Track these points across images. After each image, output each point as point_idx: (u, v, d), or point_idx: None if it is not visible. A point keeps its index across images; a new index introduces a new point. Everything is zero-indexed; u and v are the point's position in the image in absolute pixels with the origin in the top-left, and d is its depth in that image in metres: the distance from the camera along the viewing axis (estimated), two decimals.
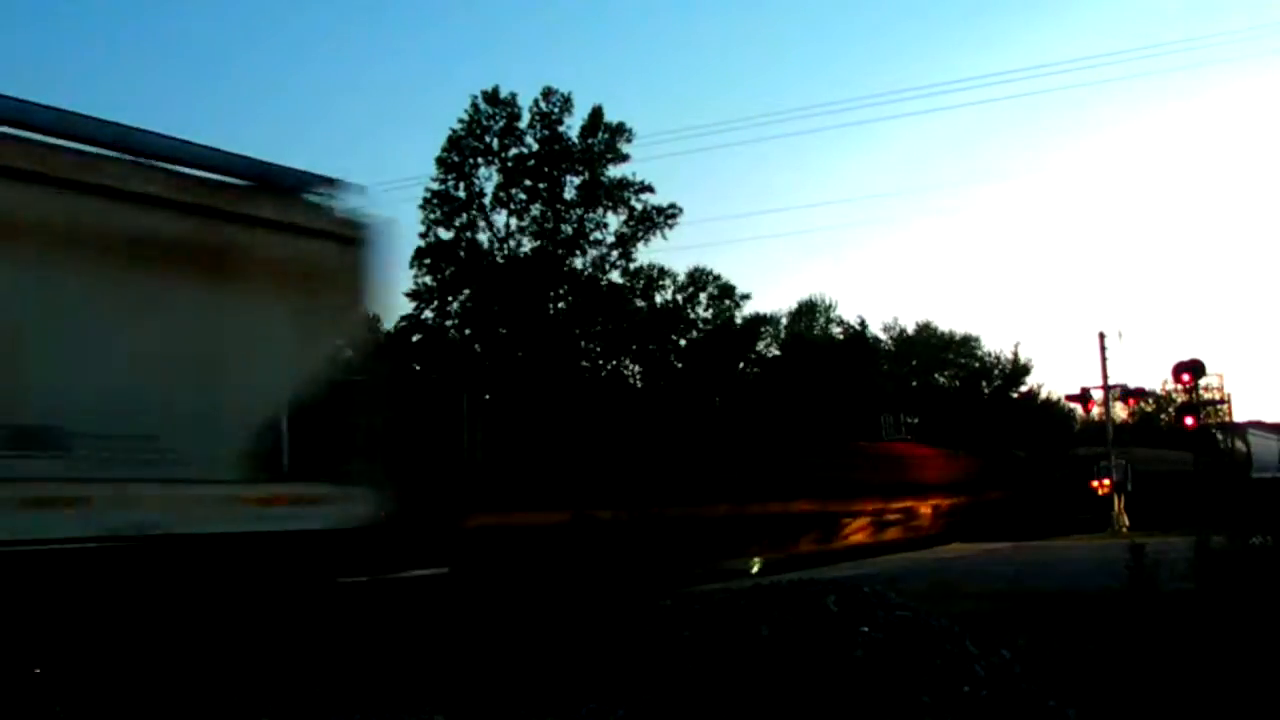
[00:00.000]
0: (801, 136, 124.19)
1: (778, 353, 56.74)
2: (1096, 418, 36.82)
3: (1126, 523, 29.54)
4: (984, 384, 68.67)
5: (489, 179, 52.48)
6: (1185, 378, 33.04)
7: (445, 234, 52.53)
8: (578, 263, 52.96)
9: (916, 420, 49.44)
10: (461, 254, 52.11)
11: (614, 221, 53.02)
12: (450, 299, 52.94)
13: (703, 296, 56.26)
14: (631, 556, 16.69)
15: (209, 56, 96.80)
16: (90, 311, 7.83)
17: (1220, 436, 36.91)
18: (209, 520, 8.19)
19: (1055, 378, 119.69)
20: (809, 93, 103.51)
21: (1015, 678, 5.89)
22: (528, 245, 52.55)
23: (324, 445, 9.05)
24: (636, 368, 54.09)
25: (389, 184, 55.16)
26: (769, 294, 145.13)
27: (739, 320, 56.27)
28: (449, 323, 53.10)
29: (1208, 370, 35.35)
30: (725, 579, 16.33)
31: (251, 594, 8.17)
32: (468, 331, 52.71)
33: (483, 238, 52.67)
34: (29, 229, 7.49)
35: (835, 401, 45.16)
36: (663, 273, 54.85)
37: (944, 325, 71.39)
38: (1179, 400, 37.38)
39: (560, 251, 52.33)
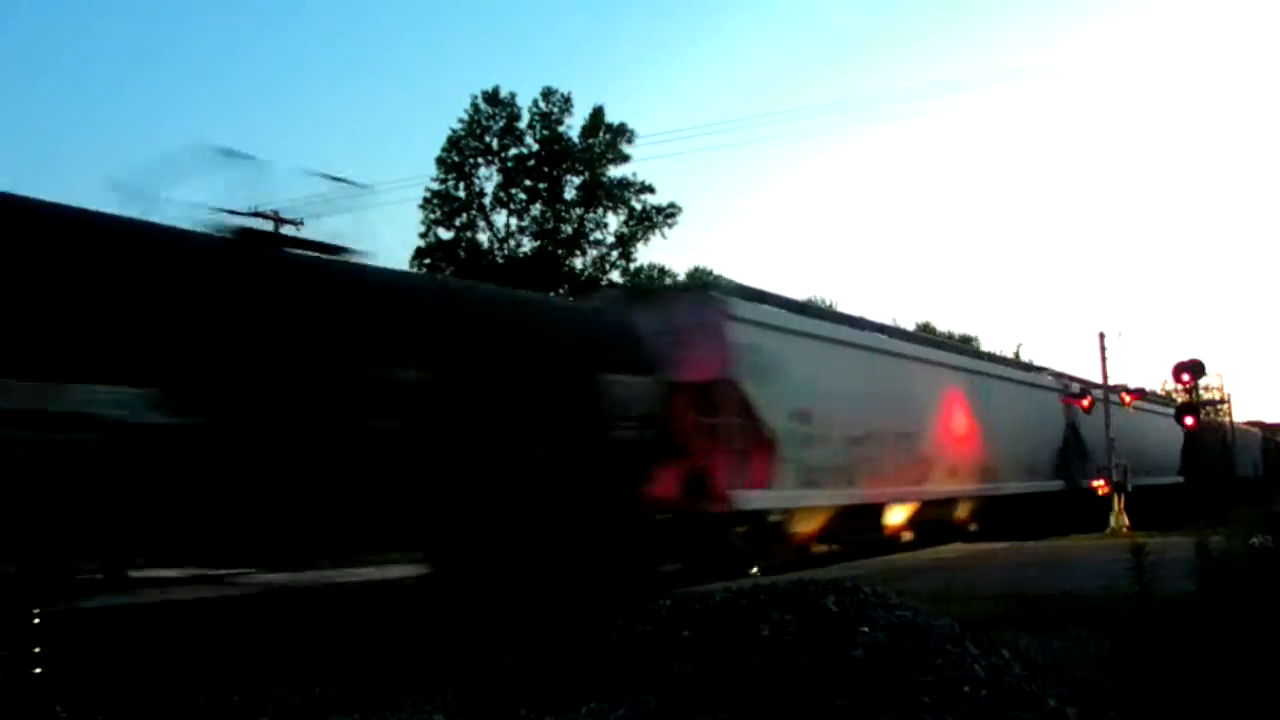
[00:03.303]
0: (801, 136, 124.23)
1: None
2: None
3: (1127, 523, 29.52)
4: None
5: (489, 179, 52.48)
6: (1185, 378, 33.00)
7: (445, 234, 52.49)
8: (578, 263, 52.93)
9: None
10: (461, 254, 52.04)
11: (614, 221, 53.04)
12: None
13: None
14: None
15: (209, 56, 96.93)
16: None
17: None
18: None
19: None
20: (809, 93, 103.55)
21: (1015, 678, 5.88)
22: (528, 245, 52.52)
23: None
24: None
25: (389, 184, 55.22)
26: None
27: None
28: None
29: (1208, 370, 35.32)
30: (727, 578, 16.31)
31: None
32: None
33: (483, 238, 52.64)
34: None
35: None
36: (663, 273, 54.85)
37: (944, 325, 71.41)
38: (1179, 400, 37.31)
39: (560, 251, 52.28)
